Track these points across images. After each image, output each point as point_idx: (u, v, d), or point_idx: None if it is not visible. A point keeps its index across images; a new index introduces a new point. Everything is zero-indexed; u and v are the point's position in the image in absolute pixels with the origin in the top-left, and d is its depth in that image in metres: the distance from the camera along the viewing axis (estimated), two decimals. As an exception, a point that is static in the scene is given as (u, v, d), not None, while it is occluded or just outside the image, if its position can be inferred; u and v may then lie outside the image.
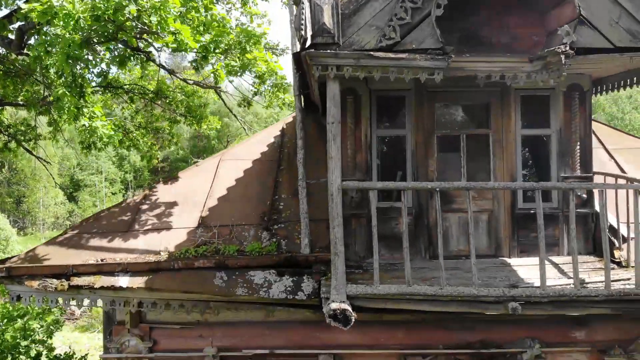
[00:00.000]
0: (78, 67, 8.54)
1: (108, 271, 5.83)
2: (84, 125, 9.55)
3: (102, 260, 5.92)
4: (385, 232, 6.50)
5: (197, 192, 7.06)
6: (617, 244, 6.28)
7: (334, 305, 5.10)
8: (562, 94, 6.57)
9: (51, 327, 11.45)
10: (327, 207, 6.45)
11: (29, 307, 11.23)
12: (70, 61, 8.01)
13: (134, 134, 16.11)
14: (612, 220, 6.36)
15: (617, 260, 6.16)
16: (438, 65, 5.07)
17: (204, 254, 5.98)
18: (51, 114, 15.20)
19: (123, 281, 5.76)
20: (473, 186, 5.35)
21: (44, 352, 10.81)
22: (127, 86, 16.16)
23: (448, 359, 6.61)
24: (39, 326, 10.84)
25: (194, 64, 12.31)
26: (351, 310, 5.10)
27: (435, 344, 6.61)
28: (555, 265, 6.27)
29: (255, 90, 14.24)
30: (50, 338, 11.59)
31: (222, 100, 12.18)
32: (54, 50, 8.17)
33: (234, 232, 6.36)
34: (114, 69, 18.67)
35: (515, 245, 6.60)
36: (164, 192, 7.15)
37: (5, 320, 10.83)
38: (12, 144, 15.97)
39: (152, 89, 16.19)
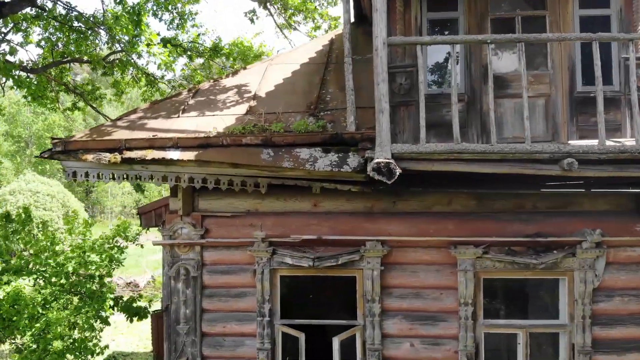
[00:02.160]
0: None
1: (159, 146, 5.97)
2: (142, 51, 9.92)
3: (154, 135, 6.07)
4: (435, 119, 6.33)
5: (246, 88, 7.14)
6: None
7: (377, 160, 5.00)
8: (624, -31, 6.21)
9: (113, 262, 11.73)
10: (373, 97, 6.45)
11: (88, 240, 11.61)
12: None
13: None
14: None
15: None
16: None
17: (251, 130, 6.02)
18: (114, 75, 15.90)
19: (174, 155, 5.88)
20: (525, 38, 5.12)
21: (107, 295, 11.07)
22: (186, 43, 16.69)
23: (501, 249, 6.37)
24: (98, 259, 11.15)
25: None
26: (395, 164, 4.99)
27: (488, 235, 6.39)
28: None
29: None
30: (110, 276, 11.93)
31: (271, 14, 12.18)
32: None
33: (281, 117, 6.37)
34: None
35: (574, 130, 6.25)
36: (212, 88, 7.28)
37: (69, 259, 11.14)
38: (81, 103, 16.78)
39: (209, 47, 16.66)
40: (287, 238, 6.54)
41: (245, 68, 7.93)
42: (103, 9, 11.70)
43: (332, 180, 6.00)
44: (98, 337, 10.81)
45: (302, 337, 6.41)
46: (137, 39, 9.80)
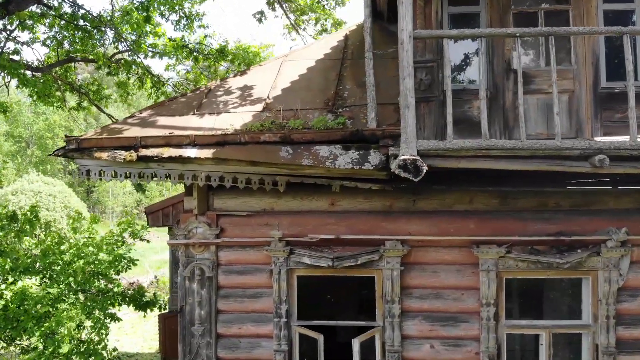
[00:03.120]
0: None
1: (176, 144, 5.83)
2: (149, 44, 9.76)
3: (170, 133, 5.94)
4: (457, 116, 6.18)
5: (261, 85, 7.01)
6: None
7: (403, 156, 4.87)
8: (650, -39, 6.08)
9: (123, 261, 11.53)
10: (391, 93, 6.32)
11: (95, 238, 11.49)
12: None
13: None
14: None
15: None
16: None
17: (269, 127, 5.88)
18: (120, 75, 15.77)
19: (191, 152, 5.74)
20: (555, 32, 5.00)
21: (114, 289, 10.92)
22: (192, 45, 16.59)
23: (524, 249, 6.24)
24: (106, 257, 10.98)
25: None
26: (422, 161, 4.86)
27: (509, 234, 6.26)
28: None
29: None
30: (118, 273, 11.79)
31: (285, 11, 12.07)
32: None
33: (299, 114, 6.23)
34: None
35: (598, 126, 6.11)
36: (229, 84, 7.15)
37: (75, 257, 11.01)
38: (85, 103, 16.63)
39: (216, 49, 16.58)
40: (304, 237, 6.41)
41: (259, 65, 7.79)
42: (112, 6, 11.54)
43: (352, 178, 5.87)
44: (106, 339, 10.71)
45: (320, 338, 6.27)
46: (143, 37, 9.68)
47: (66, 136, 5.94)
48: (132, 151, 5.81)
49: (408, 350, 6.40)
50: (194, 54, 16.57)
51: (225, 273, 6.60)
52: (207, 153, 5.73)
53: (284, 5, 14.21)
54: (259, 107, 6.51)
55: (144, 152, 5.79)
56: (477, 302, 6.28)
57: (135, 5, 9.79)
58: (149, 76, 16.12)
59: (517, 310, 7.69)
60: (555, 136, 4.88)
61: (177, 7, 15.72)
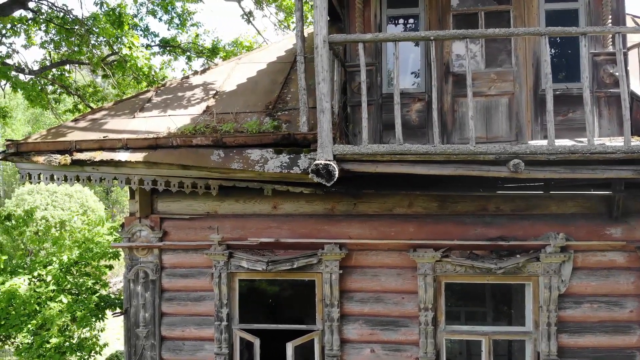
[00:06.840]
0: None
1: (109, 147, 5.89)
2: (126, 55, 9.87)
3: (104, 137, 6.00)
4: (394, 120, 6.14)
5: (208, 87, 7.04)
6: (654, 119, 5.55)
7: (316, 161, 4.85)
8: (592, -39, 5.92)
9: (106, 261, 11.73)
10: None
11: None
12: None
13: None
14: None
15: (653, 135, 5.44)
16: None
17: (203, 130, 5.90)
18: (115, 77, 16.01)
19: (122, 156, 5.80)
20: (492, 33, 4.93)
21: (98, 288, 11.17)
22: (185, 44, 16.78)
23: (463, 253, 6.14)
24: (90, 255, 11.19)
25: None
26: (334, 165, 4.82)
27: (449, 238, 6.18)
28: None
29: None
30: (105, 273, 12.00)
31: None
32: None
33: (236, 117, 6.23)
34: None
35: (538, 129, 5.99)
36: (177, 86, 7.19)
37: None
38: (82, 105, 16.91)
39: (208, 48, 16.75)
40: (244, 241, 6.41)
41: (213, 67, 7.82)
42: (81, 10, 11.71)
43: (284, 182, 5.86)
44: (98, 336, 10.99)
45: (257, 342, 6.27)
46: (119, 40, 9.79)
47: (6, 140, 6.06)
48: (66, 155, 5.89)
49: (348, 354, 6.36)
50: (187, 53, 16.78)
51: (169, 276, 6.64)
52: (138, 157, 5.78)
53: (268, 8, 14.28)
54: (200, 110, 6.53)
55: (78, 155, 5.87)
56: (417, 306, 6.20)
57: (105, 11, 9.93)
58: (145, 77, 16.33)
59: (464, 315, 7.58)
60: (470, 140, 4.79)
61: (168, 7, 15.96)
